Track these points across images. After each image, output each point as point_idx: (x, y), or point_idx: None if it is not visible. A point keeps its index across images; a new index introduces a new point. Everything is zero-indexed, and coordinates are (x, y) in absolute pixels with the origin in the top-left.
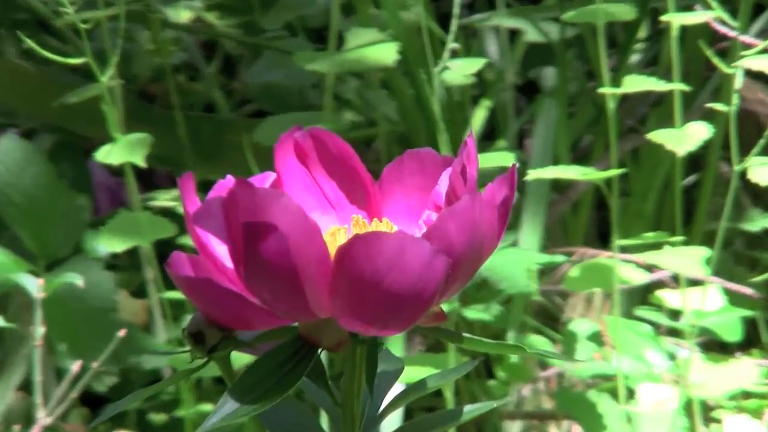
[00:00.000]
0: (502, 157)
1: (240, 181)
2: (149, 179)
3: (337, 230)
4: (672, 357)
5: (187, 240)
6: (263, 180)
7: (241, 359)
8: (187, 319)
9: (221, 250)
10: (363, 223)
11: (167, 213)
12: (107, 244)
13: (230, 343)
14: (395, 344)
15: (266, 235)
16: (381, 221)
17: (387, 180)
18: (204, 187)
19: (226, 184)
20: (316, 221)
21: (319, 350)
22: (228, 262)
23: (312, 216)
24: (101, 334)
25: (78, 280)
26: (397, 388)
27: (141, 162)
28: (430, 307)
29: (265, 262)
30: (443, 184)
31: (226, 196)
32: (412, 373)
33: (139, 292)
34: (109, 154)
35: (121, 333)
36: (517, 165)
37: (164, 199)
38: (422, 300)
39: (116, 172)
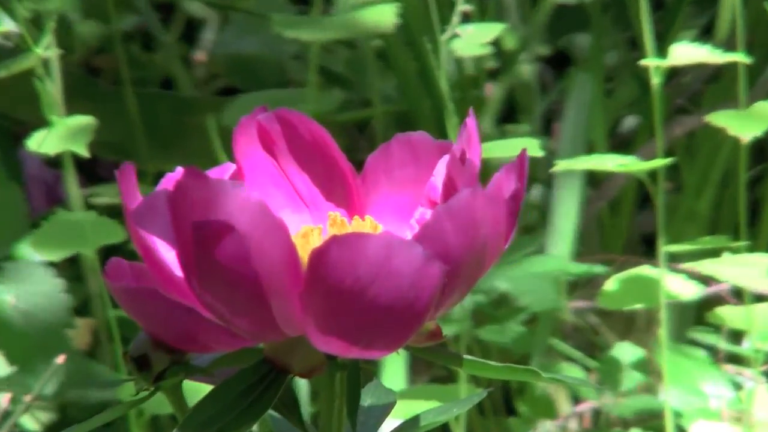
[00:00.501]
0: (524, 145)
1: (190, 171)
2: (92, 171)
3: (310, 231)
4: (733, 388)
5: None
6: (221, 173)
7: (195, 389)
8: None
9: (169, 256)
10: (342, 221)
11: (115, 213)
12: (42, 251)
13: (181, 368)
14: (395, 372)
15: (222, 236)
16: (364, 220)
17: (371, 171)
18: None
19: (175, 176)
20: (283, 220)
21: (290, 377)
22: (177, 270)
23: (280, 215)
24: (52, 356)
25: (8, 296)
26: (389, 426)
27: (83, 151)
28: (422, 323)
29: (220, 269)
30: (439, 176)
31: (173, 189)
32: (415, 408)
33: (82, 309)
34: (44, 142)
35: (60, 359)
36: (544, 153)
37: (111, 195)
38: (413, 314)
39: (53, 162)
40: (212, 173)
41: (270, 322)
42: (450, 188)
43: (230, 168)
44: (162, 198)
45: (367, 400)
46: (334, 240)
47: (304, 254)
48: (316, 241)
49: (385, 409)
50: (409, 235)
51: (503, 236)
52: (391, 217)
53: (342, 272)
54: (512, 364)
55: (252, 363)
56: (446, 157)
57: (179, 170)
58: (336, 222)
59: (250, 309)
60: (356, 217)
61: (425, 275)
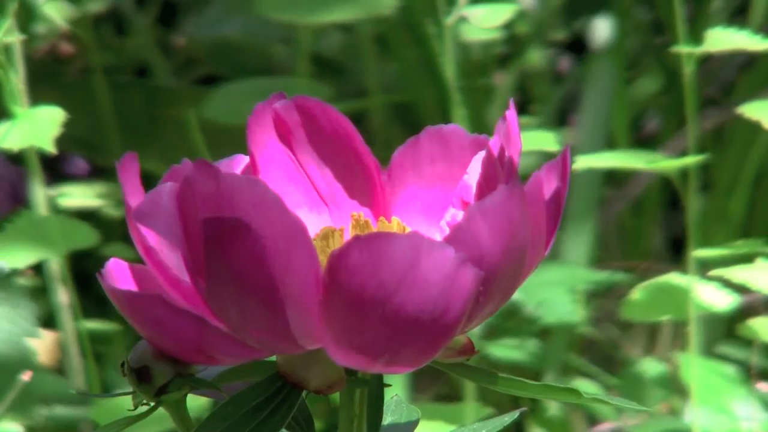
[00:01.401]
0: (538, 139)
1: (200, 164)
2: (58, 168)
3: (330, 232)
4: (766, 409)
5: (112, 251)
6: (233, 166)
7: (199, 404)
8: (114, 355)
9: (174, 258)
10: (366, 222)
11: (86, 215)
12: (5, 257)
13: (186, 382)
14: (396, 389)
15: (235, 235)
16: (389, 221)
17: (398, 167)
18: None
19: (182, 169)
20: (302, 219)
21: (305, 393)
22: (183, 273)
23: (298, 213)
24: (15, 371)
25: None
26: None
27: (50, 146)
28: (453, 336)
29: (232, 272)
30: (473, 173)
31: (181, 183)
32: (420, 428)
33: (48, 321)
34: (7, 136)
35: (26, 376)
36: (560, 148)
37: (81, 195)
38: (443, 325)
39: (15, 158)
40: (223, 166)
41: (285, 333)
42: (485, 188)
43: (241, 161)
44: (168, 194)
45: (387, 417)
46: (356, 241)
47: (324, 258)
48: (338, 243)
49: (407, 428)
50: (439, 238)
51: (543, 241)
52: (420, 218)
53: (364, 277)
54: (551, 384)
55: (264, 377)
56: (482, 154)
57: (186, 163)
58: (359, 223)
59: (264, 317)
60: (381, 217)
61: (457, 281)
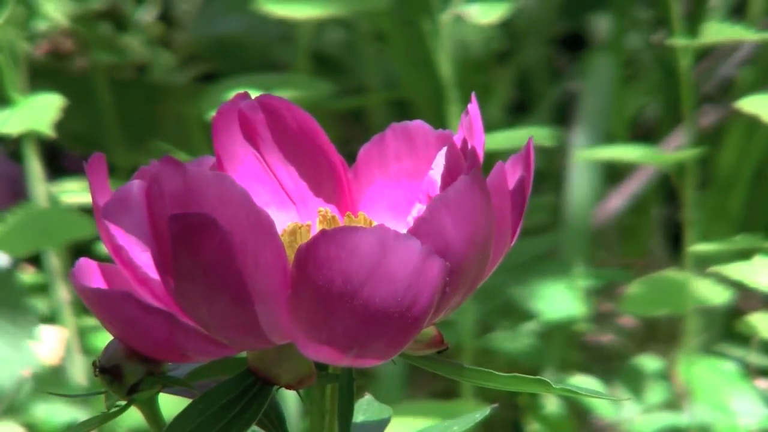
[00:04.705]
0: (536, 135)
1: (167, 161)
2: (57, 162)
3: (298, 227)
4: (764, 405)
5: None
6: (199, 166)
7: (172, 403)
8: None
9: (143, 256)
10: (333, 218)
11: (86, 211)
12: (5, 248)
13: (157, 380)
14: (392, 386)
15: (202, 231)
16: (356, 217)
17: (364, 164)
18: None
19: (150, 169)
20: (270, 215)
21: (276, 388)
22: (152, 271)
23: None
24: (16, 369)
25: None
26: None
27: (48, 130)
28: (421, 328)
29: (201, 268)
30: (438, 168)
31: (149, 181)
32: (413, 426)
33: (50, 317)
34: (6, 121)
35: (25, 372)
36: (557, 145)
37: (81, 191)
38: (411, 317)
39: (15, 155)
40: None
41: (255, 328)
42: (449, 182)
43: (207, 161)
44: (135, 191)
45: (359, 416)
46: (322, 235)
47: (291, 253)
48: (305, 238)
49: (379, 427)
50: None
51: (509, 231)
52: (386, 214)
53: (331, 271)
54: (520, 374)
55: (235, 374)
56: (446, 149)
57: (154, 162)
58: (326, 218)
59: (234, 313)
60: (348, 213)
61: (424, 273)
